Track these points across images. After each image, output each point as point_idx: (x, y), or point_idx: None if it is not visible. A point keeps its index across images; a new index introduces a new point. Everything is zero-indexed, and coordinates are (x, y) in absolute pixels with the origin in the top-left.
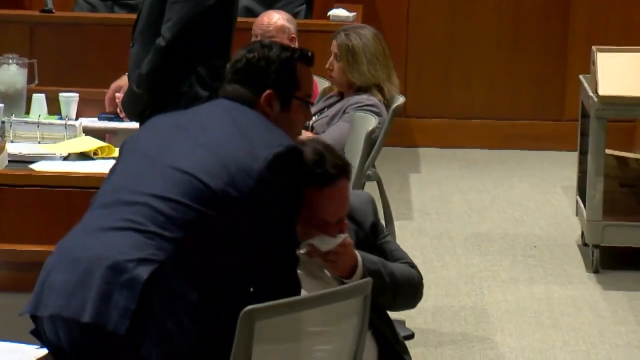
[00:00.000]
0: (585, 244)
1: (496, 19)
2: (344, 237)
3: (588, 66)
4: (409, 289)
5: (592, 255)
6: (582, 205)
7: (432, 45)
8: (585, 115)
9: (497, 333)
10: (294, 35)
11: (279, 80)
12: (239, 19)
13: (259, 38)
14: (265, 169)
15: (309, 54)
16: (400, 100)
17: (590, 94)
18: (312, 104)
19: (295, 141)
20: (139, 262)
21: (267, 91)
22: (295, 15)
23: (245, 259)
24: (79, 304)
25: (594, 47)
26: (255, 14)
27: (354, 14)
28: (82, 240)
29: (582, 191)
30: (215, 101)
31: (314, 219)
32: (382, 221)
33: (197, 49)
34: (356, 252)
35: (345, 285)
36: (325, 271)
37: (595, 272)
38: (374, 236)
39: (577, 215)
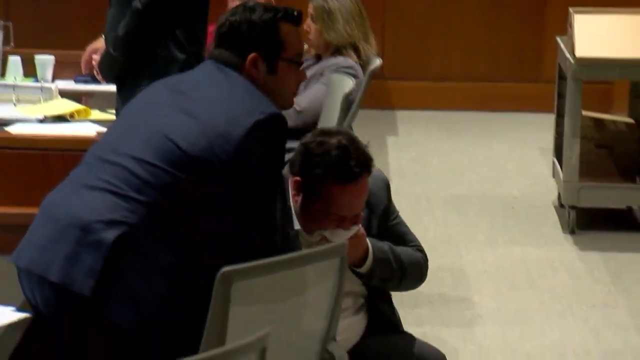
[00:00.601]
0: (561, 205)
1: None
2: (357, 229)
3: (565, 28)
4: (414, 274)
5: (569, 216)
6: (558, 166)
7: (409, 7)
8: (562, 77)
9: (475, 294)
10: None
11: (262, 43)
12: None
13: (235, 1)
14: (244, 136)
15: (294, 13)
16: (378, 62)
17: (567, 55)
18: (301, 63)
19: (288, 103)
20: (109, 224)
21: (252, 54)
22: None
23: (223, 226)
24: (47, 261)
25: (571, 9)
26: None
27: None
28: (62, 197)
29: (558, 153)
30: (205, 64)
31: (331, 214)
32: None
33: (174, 11)
34: (367, 241)
35: (322, 247)
36: None
37: (572, 233)
38: (385, 219)
39: (554, 176)
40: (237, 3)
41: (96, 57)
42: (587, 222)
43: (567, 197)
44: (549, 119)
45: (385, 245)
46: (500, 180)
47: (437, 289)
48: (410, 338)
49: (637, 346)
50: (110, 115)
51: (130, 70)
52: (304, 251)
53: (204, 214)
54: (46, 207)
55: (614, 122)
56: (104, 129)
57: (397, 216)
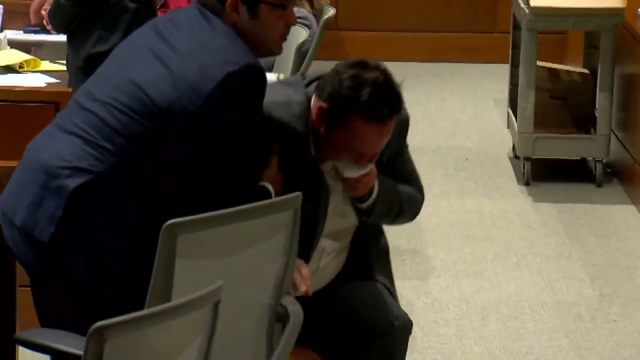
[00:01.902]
0: (516, 157)
1: None
2: (370, 167)
3: None
4: (408, 214)
5: (523, 168)
6: (513, 117)
7: None
8: (516, 27)
9: (429, 246)
10: None
11: None
12: None
13: None
14: (214, 88)
15: None
16: (331, 12)
17: (522, 5)
18: (285, 6)
19: (275, 49)
20: (73, 170)
21: None
22: None
23: (190, 179)
24: (15, 204)
25: None
26: None
27: None
28: (40, 140)
29: (513, 104)
30: (191, 7)
31: (351, 148)
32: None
33: None
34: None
35: (275, 199)
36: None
37: (526, 184)
38: (396, 154)
39: (508, 127)
40: None
41: (46, 7)
42: (541, 173)
43: (522, 149)
44: (504, 70)
45: (389, 182)
46: (454, 132)
47: (390, 241)
48: (380, 292)
49: (590, 297)
50: (60, 66)
51: (80, 19)
52: (255, 204)
53: (172, 165)
54: (26, 150)
55: (568, 72)
56: (53, 80)
57: (407, 152)
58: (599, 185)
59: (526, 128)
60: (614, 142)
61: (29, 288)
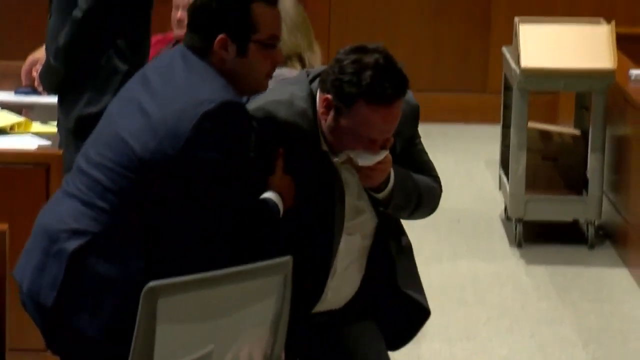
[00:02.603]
0: (508, 218)
1: None
2: (385, 154)
3: (511, 38)
4: (427, 205)
5: (515, 230)
6: (505, 179)
7: (354, 16)
8: (508, 88)
9: None
10: None
11: (232, 23)
12: None
13: (179, 9)
14: (192, 129)
15: None
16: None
17: (513, 66)
18: (273, 46)
19: (262, 87)
20: (72, 233)
21: (220, 36)
22: None
23: (187, 224)
24: (22, 271)
25: (516, 18)
26: None
27: None
28: (48, 205)
29: (505, 165)
30: (174, 50)
31: (360, 135)
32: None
33: (116, 20)
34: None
35: (264, 263)
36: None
37: (519, 246)
38: (409, 144)
39: (500, 189)
40: (180, 13)
41: (37, 68)
42: (533, 235)
43: (514, 210)
44: (495, 131)
45: (404, 171)
46: (446, 194)
47: None
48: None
49: None
50: (52, 128)
51: (71, 81)
52: (242, 267)
53: (165, 214)
54: (38, 216)
55: (560, 133)
56: (44, 142)
57: (420, 142)
58: (592, 247)
59: (518, 189)
60: (606, 204)
61: (19, 306)
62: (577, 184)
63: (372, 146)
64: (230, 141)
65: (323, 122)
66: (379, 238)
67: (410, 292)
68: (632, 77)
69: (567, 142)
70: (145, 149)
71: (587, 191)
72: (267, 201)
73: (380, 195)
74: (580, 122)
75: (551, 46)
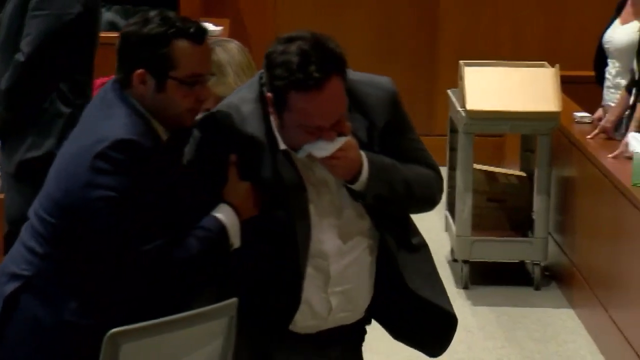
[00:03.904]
0: (454, 260)
1: (366, 32)
2: (343, 141)
3: (456, 80)
4: (423, 193)
5: (462, 271)
6: (451, 220)
7: None
8: (454, 130)
9: (366, 352)
10: None
11: (150, 59)
12: (102, 34)
13: None
14: (87, 170)
15: (192, 29)
16: None
17: (458, 108)
18: (193, 83)
19: (183, 122)
20: (10, 277)
21: (138, 70)
22: None
23: (106, 266)
24: None
25: (461, 62)
26: (118, 29)
27: (221, 28)
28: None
29: (451, 206)
30: (106, 83)
31: (306, 127)
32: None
33: (58, 64)
34: (363, 154)
35: (211, 306)
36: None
37: (465, 287)
38: (390, 134)
39: (446, 230)
40: None
41: None
42: (479, 276)
43: (460, 252)
44: (442, 173)
45: (385, 159)
46: None
47: None
48: None
49: None
50: None
51: (14, 125)
52: (192, 312)
53: (86, 255)
54: None
55: (505, 175)
56: None
57: (408, 132)
58: (537, 288)
59: (464, 231)
60: (551, 245)
61: None
62: (523, 226)
63: (326, 135)
64: (125, 178)
65: (274, 121)
66: (384, 238)
67: (425, 295)
68: (577, 119)
69: (513, 184)
70: (60, 192)
71: (532, 232)
72: (204, 226)
73: (356, 187)
74: (526, 164)
75: (496, 89)
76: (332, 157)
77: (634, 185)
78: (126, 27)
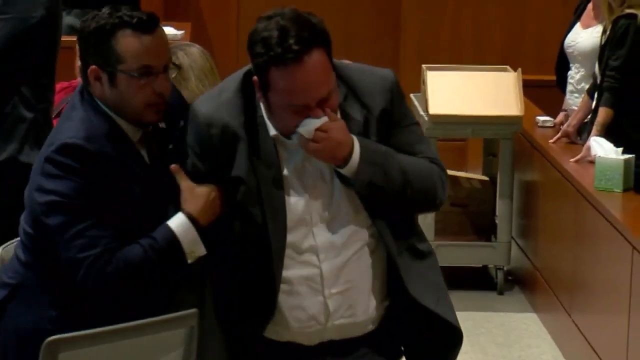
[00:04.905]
0: None
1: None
2: (325, 119)
3: (419, 85)
4: (423, 184)
5: None
6: None
7: None
8: None
9: None
10: None
11: (97, 55)
12: (63, 38)
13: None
14: (40, 175)
15: (135, 19)
16: None
17: (421, 112)
18: (143, 75)
19: (142, 116)
20: (1, 286)
21: (91, 67)
22: None
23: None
24: None
25: (423, 66)
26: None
27: (182, 32)
28: None
29: None
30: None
31: (291, 106)
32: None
33: (21, 68)
34: (354, 138)
35: (165, 316)
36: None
37: None
38: (387, 124)
39: None
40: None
41: None
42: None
43: None
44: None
45: (382, 147)
46: None
47: None
48: None
49: None
50: None
51: None
52: (143, 321)
53: (58, 262)
54: None
55: (468, 180)
56: None
57: (408, 123)
58: (501, 293)
59: (427, 235)
60: (514, 250)
61: None
62: (486, 230)
63: (312, 112)
64: (70, 182)
65: (263, 106)
66: (382, 236)
67: (427, 304)
68: (539, 123)
69: (476, 188)
70: (28, 201)
71: (495, 237)
72: (152, 234)
73: (345, 171)
74: (488, 168)
75: (459, 93)
76: (313, 139)
77: (596, 189)
78: (83, 22)
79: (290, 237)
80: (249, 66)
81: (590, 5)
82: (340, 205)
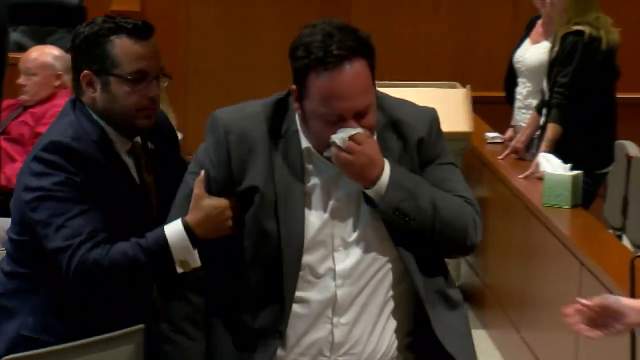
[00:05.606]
0: None
1: (278, 51)
2: (360, 129)
3: None
4: (454, 221)
5: None
6: None
7: (212, 79)
8: None
9: None
10: (60, 72)
11: (92, 59)
12: (9, 54)
13: (22, 74)
14: (29, 174)
15: (130, 26)
16: (179, 136)
17: None
18: (137, 80)
19: (135, 121)
20: None
21: (84, 72)
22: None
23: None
24: None
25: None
26: (25, 49)
27: None
28: None
29: None
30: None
31: (325, 115)
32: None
33: None
34: (386, 160)
35: (112, 334)
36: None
37: None
38: (423, 157)
39: None
40: (22, 78)
41: None
42: None
43: None
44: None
45: (415, 176)
46: None
47: None
48: None
49: None
50: None
51: None
52: (93, 338)
53: (41, 267)
54: None
55: None
56: None
57: (444, 162)
58: None
59: None
60: (463, 266)
61: None
62: None
63: (348, 125)
64: (56, 179)
65: (298, 117)
66: (409, 287)
67: (450, 349)
68: (488, 140)
69: None
70: (14, 208)
71: None
72: (145, 234)
73: (372, 192)
74: None
75: None
76: (346, 149)
77: (545, 205)
78: (73, 33)
79: (307, 258)
80: (280, 92)
81: (540, 22)
82: (365, 231)
